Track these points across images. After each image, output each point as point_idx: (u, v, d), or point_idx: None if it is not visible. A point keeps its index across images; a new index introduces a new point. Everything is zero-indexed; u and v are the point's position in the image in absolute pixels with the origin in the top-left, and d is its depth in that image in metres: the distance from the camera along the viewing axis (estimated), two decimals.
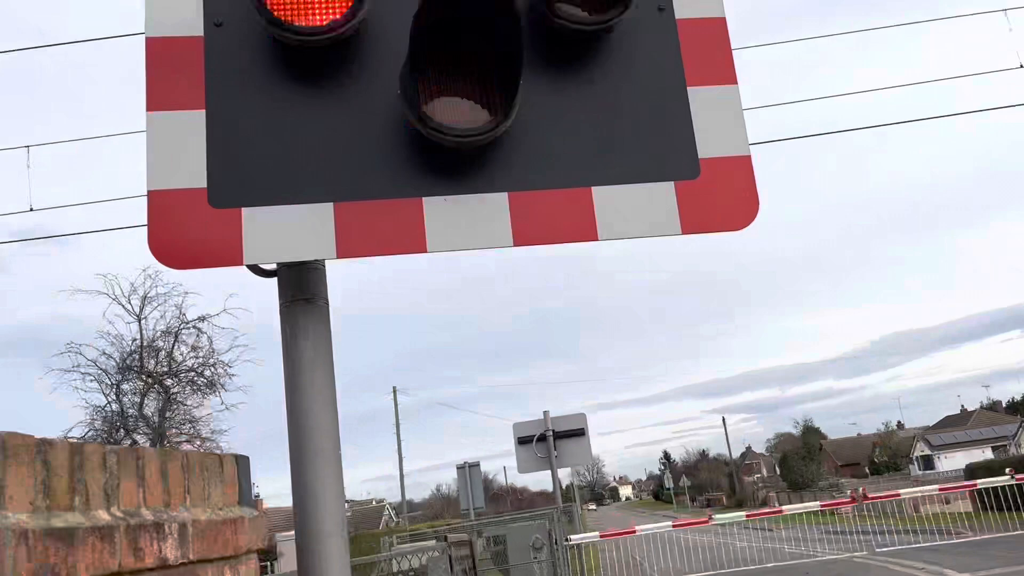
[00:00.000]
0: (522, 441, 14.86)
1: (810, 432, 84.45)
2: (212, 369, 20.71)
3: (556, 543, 14.84)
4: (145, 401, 20.37)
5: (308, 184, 2.14)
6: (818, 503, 16.68)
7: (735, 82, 2.32)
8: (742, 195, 2.24)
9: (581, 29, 2.17)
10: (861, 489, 14.17)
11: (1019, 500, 17.38)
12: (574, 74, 2.28)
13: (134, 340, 20.43)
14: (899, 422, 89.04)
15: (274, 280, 2.36)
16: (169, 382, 20.73)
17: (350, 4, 2.10)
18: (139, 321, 20.38)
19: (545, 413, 15.00)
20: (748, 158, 2.28)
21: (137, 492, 1.39)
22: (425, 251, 2.15)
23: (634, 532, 15.63)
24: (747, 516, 15.09)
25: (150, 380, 20.47)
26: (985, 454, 60.70)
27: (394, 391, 45.10)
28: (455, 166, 2.19)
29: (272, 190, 2.13)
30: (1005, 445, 61.56)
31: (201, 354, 20.88)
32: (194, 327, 20.76)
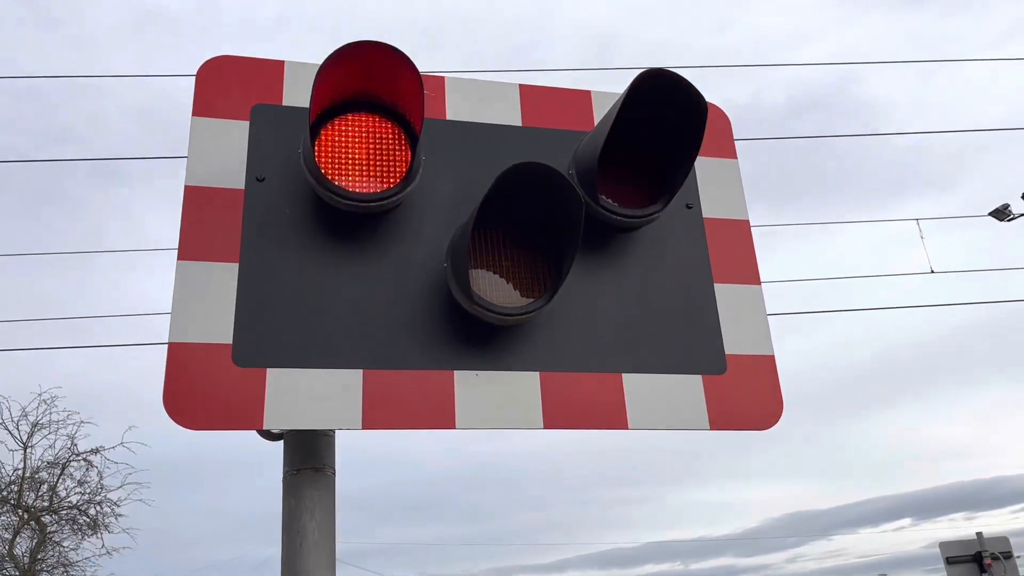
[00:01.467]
0: None
1: None
2: (98, 507, 19.07)
3: None
4: (17, 539, 18.48)
5: (338, 348, 2.06)
6: None
7: (759, 283, 2.40)
8: (767, 394, 2.27)
9: (625, 220, 2.23)
10: None
11: None
12: (608, 262, 2.32)
13: (16, 470, 18.80)
14: None
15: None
16: (47, 519, 18.94)
17: (404, 175, 2.12)
18: (24, 450, 18.84)
19: None
20: (772, 358, 2.32)
21: None
22: (453, 427, 2.07)
23: None
24: None
25: (26, 516, 18.68)
26: None
27: None
28: (488, 341, 2.15)
29: (300, 352, 2.04)
30: None
31: (88, 490, 19.29)
32: (84, 459, 19.29)
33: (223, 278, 2.06)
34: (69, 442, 19.17)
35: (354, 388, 2.03)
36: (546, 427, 2.12)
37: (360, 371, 2.05)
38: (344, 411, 2.01)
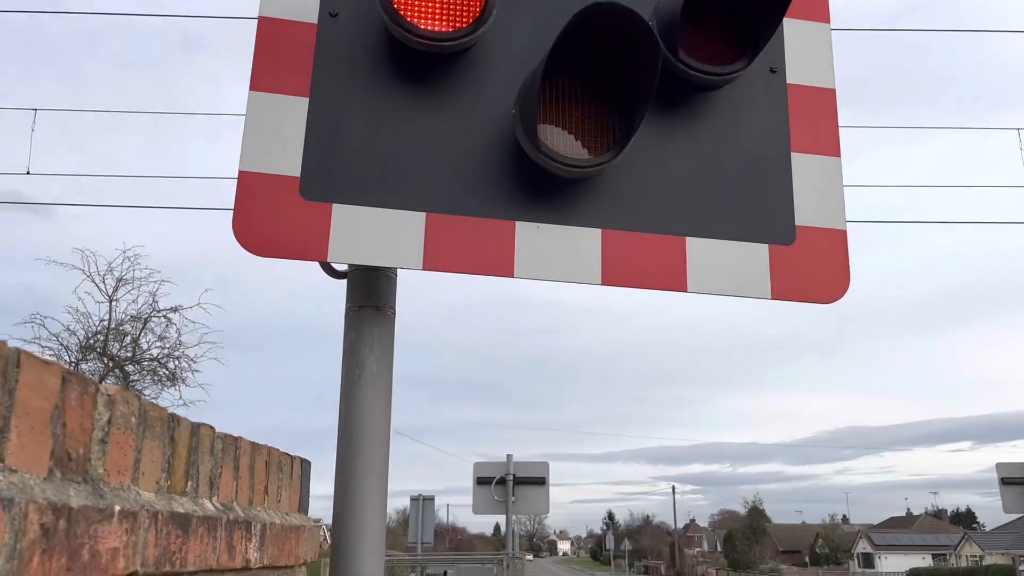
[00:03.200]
0: (481, 481, 14.61)
1: (756, 513, 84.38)
2: (176, 361, 20.26)
3: None
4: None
5: (402, 190, 2.07)
6: None
7: (839, 155, 2.31)
8: (834, 268, 2.21)
9: (704, 78, 2.14)
10: None
11: None
12: (682, 122, 2.25)
13: (102, 321, 19.96)
14: (844, 516, 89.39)
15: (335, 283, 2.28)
16: (130, 368, 20.22)
17: (478, 15, 2.06)
18: (110, 302, 19.93)
19: (508, 456, 14.79)
20: (844, 233, 2.25)
21: (232, 485, 1.29)
22: (512, 276, 2.08)
23: None
24: None
25: (111, 364, 19.95)
26: (925, 560, 61.02)
27: None
28: (552, 193, 2.14)
29: (366, 190, 2.06)
30: (945, 554, 61.92)
31: (167, 345, 20.44)
32: (164, 316, 20.35)
33: (293, 111, 2.07)
34: (151, 299, 20.21)
35: (416, 229, 2.06)
36: (604, 283, 2.12)
37: (423, 213, 2.07)
38: (406, 251, 2.04)
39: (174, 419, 1.08)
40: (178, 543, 1.04)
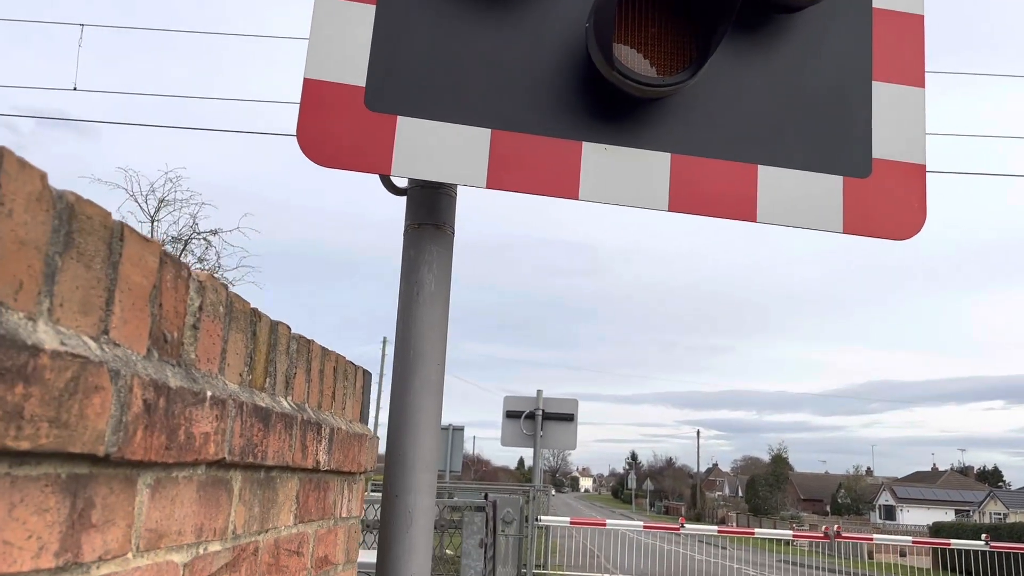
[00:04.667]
0: (510, 415, 14.82)
1: (780, 461, 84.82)
2: None
3: (527, 521, 14.85)
4: None
5: (468, 105, 2.02)
6: (791, 532, 16.66)
7: (923, 85, 2.20)
8: (911, 204, 2.13)
9: None
10: (836, 527, 14.15)
11: (983, 568, 17.42)
12: (759, 44, 2.15)
13: None
14: (869, 468, 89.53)
15: (397, 201, 2.25)
16: None
17: None
18: (152, 222, 20.22)
19: (539, 392, 14.94)
20: (923, 167, 2.16)
21: (304, 387, 1.29)
22: (577, 198, 2.04)
23: (604, 525, 15.63)
24: (719, 531, 15.07)
25: None
26: (948, 515, 61.11)
27: (383, 342, 45.13)
28: (622, 114, 2.07)
29: (431, 104, 2.01)
30: (969, 511, 61.92)
31: (207, 267, 20.75)
32: (205, 239, 20.63)
33: (360, 18, 2.02)
34: (191, 220, 20.46)
35: (481, 146, 2.01)
36: (671, 210, 2.06)
37: (489, 130, 2.02)
38: (470, 168, 2.00)
39: (256, 314, 1.07)
40: (260, 436, 1.04)
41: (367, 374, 1.78)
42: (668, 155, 2.07)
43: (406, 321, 2.14)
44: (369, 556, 3.13)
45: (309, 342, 1.32)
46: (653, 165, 2.07)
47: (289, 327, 1.22)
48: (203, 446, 0.87)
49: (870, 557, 32.24)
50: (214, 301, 0.94)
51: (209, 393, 0.88)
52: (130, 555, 0.77)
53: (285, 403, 1.18)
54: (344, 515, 1.65)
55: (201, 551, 0.93)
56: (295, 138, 1.96)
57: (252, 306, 1.07)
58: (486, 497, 10.26)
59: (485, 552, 9.11)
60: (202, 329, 0.90)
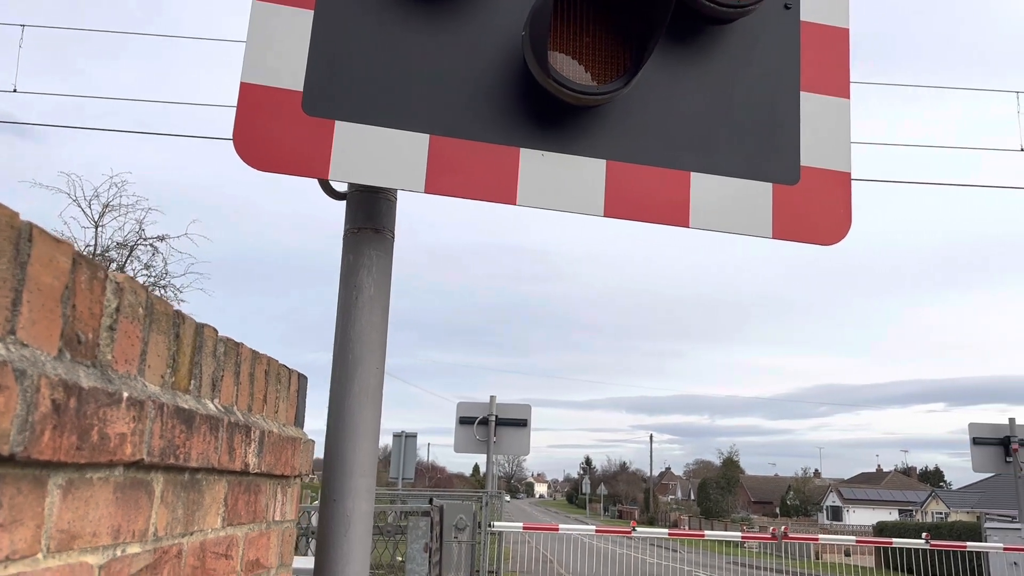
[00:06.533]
0: (463, 421, 14.79)
1: (731, 464, 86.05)
2: (162, 291, 20.18)
3: (480, 527, 14.83)
4: None
5: (407, 110, 2.04)
6: (740, 534, 16.91)
7: (848, 97, 2.28)
8: (837, 210, 2.21)
9: (717, 9, 2.10)
10: (784, 528, 14.42)
11: (923, 566, 17.90)
12: (691, 55, 2.21)
13: (87, 246, 19.81)
14: (816, 470, 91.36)
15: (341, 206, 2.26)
16: None
17: None
18: (96, 228, 19.76)
19: (492, 398, 14.94)
20: (848, 175, 2.24)
21: (233, 389, 1.29)
22: (514, 203, 2.07)
23: (557, 529, 15.68)
24: (670, 535, 15.23)
25: None
26: (892, 515, 62.65)
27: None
28: (558, 122, 2.11)
29: (370, 109, 2.02)
30: (912, 510, 63.55)
31: (153, 274, 20.35)
32: (151, 245, 20.21)
33: (297, 23, 2.02)
34: (137, 226, 20.03)
35: (420, 151, 2.03)
36: (606, 215, 2.11)
37: (427, 136, 2.04)
38: (408, 172, 2.01)
39: (179, 316, 1.08)
40: (182, 438, 1.04)
41: (303, 378, 1.78)
42: (604, 162, 2.12)
43: (345, 325, 2.14)
44: (307, 562, 3.11)
45: (238, 345, 1.32)
46: (589, 171, 2.11)
47: (216, 329, 1.22)
48: (119, 447, 0.87)
49: (817, 557, 32.89)
50: (133, 303, 0.94)
51: (126, 394, 0.88)
52: (40, 556, 0.77)
53: (211, 405, 1.18)
54: (277, 518, 1.65)
55: (119, 552, 0.93)
56: (231, 142, 1.95)
57: (175, 308, 1.07)
58: (431, 502, 10.24)
59: (431, 556, 9.08)
60: (119, 330, 0.91)
